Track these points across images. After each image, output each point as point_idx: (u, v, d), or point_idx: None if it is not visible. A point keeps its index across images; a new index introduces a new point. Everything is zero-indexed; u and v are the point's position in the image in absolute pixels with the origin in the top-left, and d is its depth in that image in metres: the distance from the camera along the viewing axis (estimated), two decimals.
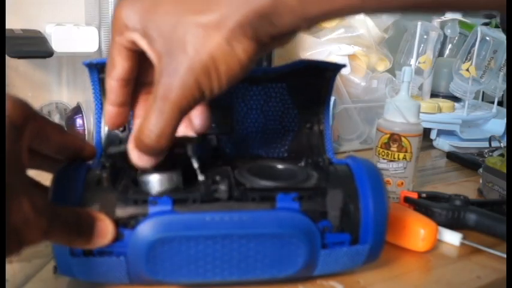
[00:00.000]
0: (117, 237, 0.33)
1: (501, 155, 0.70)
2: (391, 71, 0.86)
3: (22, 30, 0.68)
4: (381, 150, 0.58)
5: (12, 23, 0.69)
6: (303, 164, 0.41)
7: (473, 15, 0.96)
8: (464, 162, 0.78)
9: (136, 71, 0.34)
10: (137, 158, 0.33)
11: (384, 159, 0.57)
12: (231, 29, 0.28)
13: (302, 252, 0.34)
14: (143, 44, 0.30)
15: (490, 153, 0.78)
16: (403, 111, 0.56)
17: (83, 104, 0.68)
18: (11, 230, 0.26)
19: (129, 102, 0.35)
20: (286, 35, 0.31)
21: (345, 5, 0.28)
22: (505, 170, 0.58)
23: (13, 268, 0.39)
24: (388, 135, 0.57)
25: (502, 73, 0.92)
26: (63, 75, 0.77)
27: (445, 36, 0.94)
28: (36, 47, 0.62)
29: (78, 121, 0.67)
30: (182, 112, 0.30)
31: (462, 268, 0.44)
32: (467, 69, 0.87)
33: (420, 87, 0.93)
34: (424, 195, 0.54)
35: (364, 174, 0.37)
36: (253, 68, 0.31)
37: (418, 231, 0.45)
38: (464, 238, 0.48)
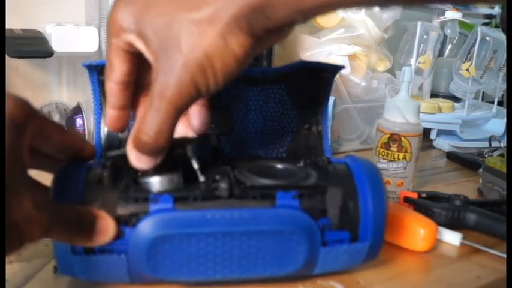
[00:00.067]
0: (118, 235, 0.33)
1: (501, 155, 0.70)
2: (391, 71, 0.86)
3: (22, 30, 0.68)
4: (381, 150, 0.58)
5: (12, 23, 0.69)
6: (301, 164, 0.41)
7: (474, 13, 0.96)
8: (464, 162, 0.78)
9: (135, 73, 0.34)
10: (136, 158, 0.33)
11: (384, 159, 0.58)
12: (226, 24, 0.28)
13: (302, 250, 0.35)
14: (139, 45, 0.30)
15: (490, 153, 0.78)
16: (403, 111, 0.56)
17: (83, 104, 0.68)
18: (12, 226, 0.26)
19: (130, 104, 0.35)
20: (282, 29, 0.31)
21: None
22: (505, 170, 0.58)
23: (13, 268, 0.39)
24: (388, 135, 0.57)
25: (502, 73, 0.92)
26: (63, 75, 0.77)
27: (445, 36, 0.95)
28: (36, 47, 0.62)
29: (78, 121, 0.67)
30: (179, 110, 0.30)
31: (462, 268, 0.44)
32: (467, 69, 0.88)
33: (420, 87, 0.93)
34: (424, 195, 0.54)
35: (363, 172, 0.38)
36: (250, 63, 0.31)
37: (418, 231, 0.45)
38: (464, 238, 0.48)
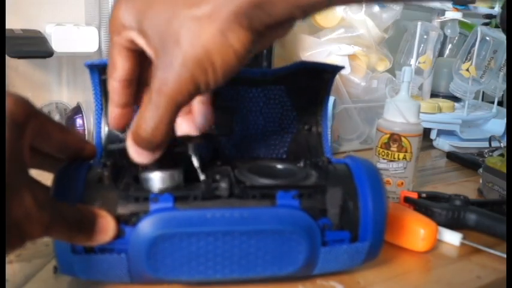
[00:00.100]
0: (118, 234, 0.33)
1: (501, 155, 0.70)
2: (391, 71, 0.86)
3: (22, 30, 0.68)
4: (381, 150, 0.58)
5: (12, 23, 0.69)
6: (301, 164, 0.42)
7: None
8: (464, 162, 0.78)
9: (137, 71, 0.34)
10: (135, 152, 0.33)
11: (384, 159, 0.58)
12: (225, 20, 0.28)
13: (302, 249, 0.35)
14: (141, 41, 0.31)
15: (490, 153, 0.78)
16: (403, 111, 0.56)
17: (83, 104, 0.68)
18: (12, 224, 0.26)
19: (133, 102, 0.35)
20: (282, 25, 0.31)
21: None
22: (505, 170, 0.58)
23: (13, 268, 0.39)
24: (388, 135, 0.57)
25: (502, 73, 0.92)
26: (63, 75, 0.77)
27: (445, 36, 0.95)
28: (36, 47, 0.62)
29: (78, 121, 0.67)
30: (177, 106, 0.30)
31: (462, 268, 0.44)
32: (467, 69, 0.88)
33: (420, 87, 0.93)
34: (424, 195, 0.54)
35: (363, 172, 0.38)
36: (250, 59, 0.31)
37: (418, 231, 0.45)
38: (464, 238, 0.48)
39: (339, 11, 0.78)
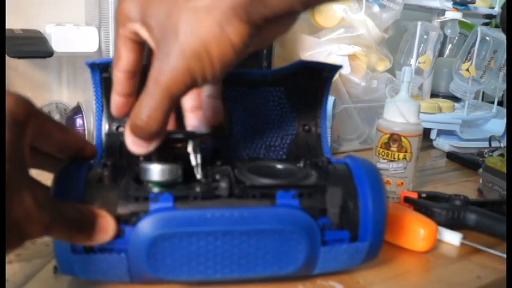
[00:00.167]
0: (118, 234, 0.33)
1: (501, 155, 0.70)
2: (391, 71, 0.86)
3: (22, 30, 0.68)
4: (381, 150, 0.58)
5: (12, 23, 0.69)
6: (301, 164, 0.42)
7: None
8: (464, 162, 0.78)
9: (141, 62, 0.34)
10: (131, 142, 0.33)
11: (383, 159, 0.58)
12: (223, 12, 0.28)
13: (302, 249, 0.35)
14: (144, 33, 0.31)
15: (490, 153, 0.78)
16: (403, 111, 0.56)
17: (83, 104, 0.68)
18: (12, 224, 0.26)
19: (135, 92, 0.36)
20: (282, 19, 0.31)
21: None
22: (505, 170, 0.58)
23: (13, 268, 0.39)
24: (388, 135, 0.57)
25: (502, 73, 0.92)
26: (63, 75, 0.77)
27: (445, 36, 0.95)
28: (36, 47, 0.62)
29: (78, 121, 0.67)
30: (172, 96, 0.30)
31: (462, 268, 0.44)
32: (467, 69, 0.88)
33: (420, 87, 0.93)
34: (424, 195, 0.54)
35: (363, 172, 0.38)
36: (248, 52, 0.31)
37: (418, 231, 0.45)
38: (464, 238, 0.48)
39: (339, 11, 0.78)
